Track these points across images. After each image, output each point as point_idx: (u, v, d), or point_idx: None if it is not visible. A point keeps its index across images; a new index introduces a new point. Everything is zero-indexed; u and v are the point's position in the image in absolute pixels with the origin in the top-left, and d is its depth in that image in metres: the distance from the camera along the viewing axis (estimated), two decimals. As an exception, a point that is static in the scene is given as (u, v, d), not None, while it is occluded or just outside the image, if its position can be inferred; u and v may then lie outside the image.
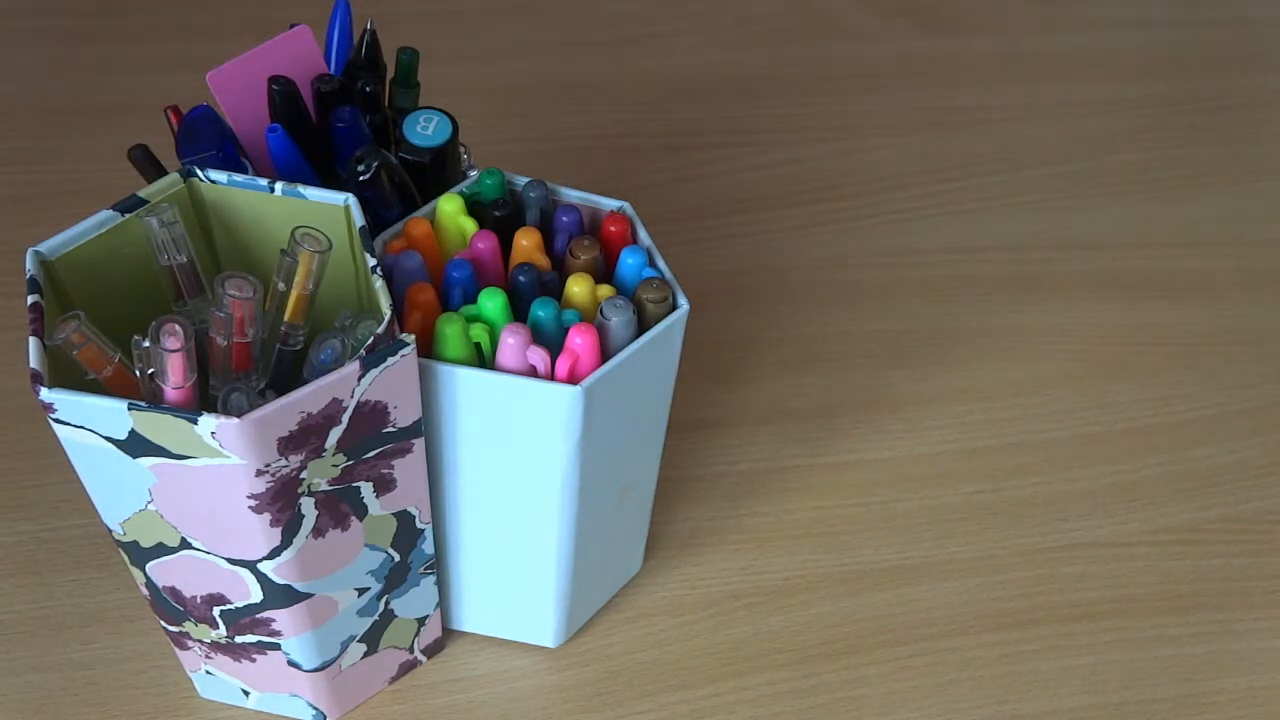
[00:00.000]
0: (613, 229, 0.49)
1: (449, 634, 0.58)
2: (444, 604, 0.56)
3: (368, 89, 0.50)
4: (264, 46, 0.48)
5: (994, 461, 0.67)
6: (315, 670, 0.51)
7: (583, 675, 0.57)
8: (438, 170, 0.49)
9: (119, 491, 0.42)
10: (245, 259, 0.48)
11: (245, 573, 0.45)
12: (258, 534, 0.43)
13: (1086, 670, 0.58)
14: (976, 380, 0.71)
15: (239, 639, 0.49)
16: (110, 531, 0.45)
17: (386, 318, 0.41)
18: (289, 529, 0.43)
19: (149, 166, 0.48)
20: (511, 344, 0.43)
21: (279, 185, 0.45)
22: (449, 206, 0.48)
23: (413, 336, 0.42)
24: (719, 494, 0.64)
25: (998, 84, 0.93)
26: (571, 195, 0.50)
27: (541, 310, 0.45)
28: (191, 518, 0.43)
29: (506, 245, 0.48)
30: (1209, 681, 0.58)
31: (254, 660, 0.50)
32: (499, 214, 0.48)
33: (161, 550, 0.45)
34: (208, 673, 0.52)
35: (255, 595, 0.46)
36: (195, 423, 0.38)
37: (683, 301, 0.46)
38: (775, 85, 0.90)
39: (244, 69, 0.48)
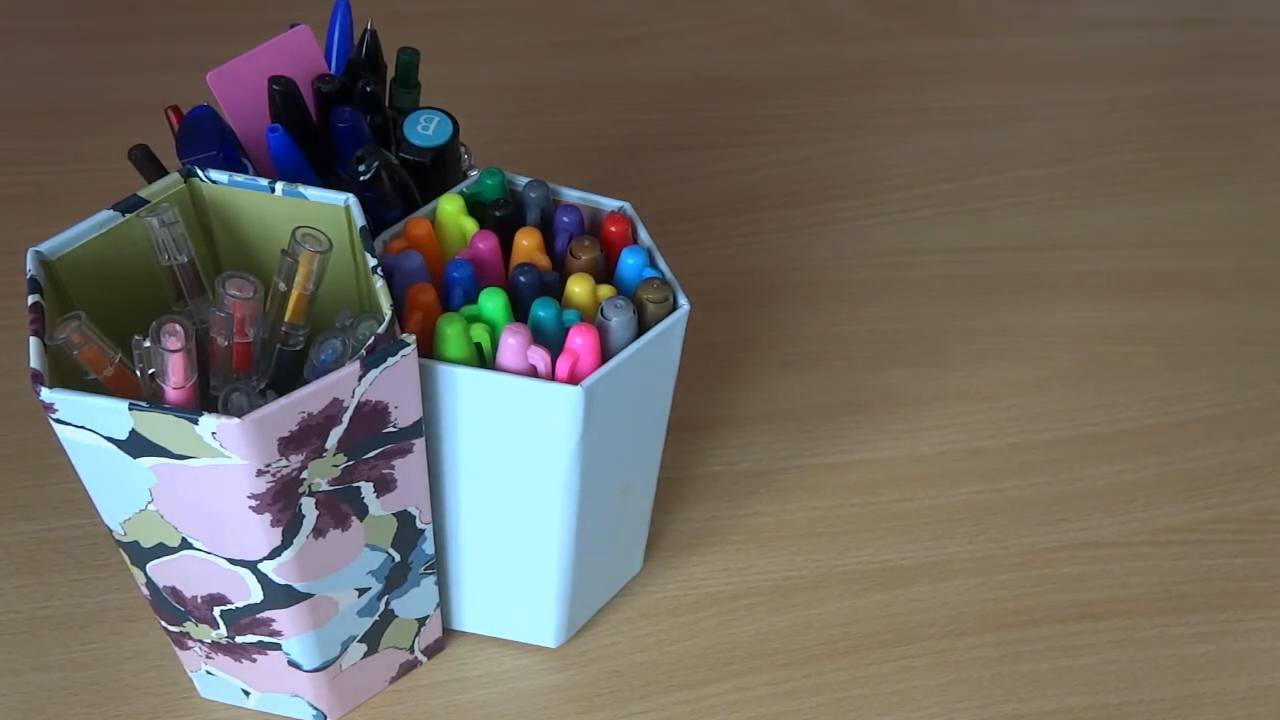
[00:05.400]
0: (613, 229, 0.49)
1: (449, 634, 0.58)
2: (444, 604, 0.56)
3: (368, 89, 0.50)
4: (264, 46, 0.48)
5: (994, 461, 0.67)
6: (316, 670, 0.51)
7: (583, 675, 0.57)
8: (438, 170, 0.49)
9: (119, 491, 0.42)
10: (246, 259, 0.48)
11: (246, 573, 0.45)
12: (258, 534, 0.43)
13: (1086, 670, 0.58)
14: (976, 380, 0.71)
15: (239, 639, 0.49)
16: (110, 531, 0.45)
17: (387, 318, 0.41)
18: (289, 529, 0.43)
19: (149, 166, 0.48)
20: (512, 344, 0.43)
21: (279, 185, 0.45)
22: (449, 206, 0.48)
23: (413, 336, 0.42)
24: (719, 494, 0.64)
25: (997, 84, 0.93)
26: (572, 195, 0.50)
27: (542, 310, 0.45)
28: (192, 518, 0.43)
29: (507, 245, 0.48)
30: (1209, 681, 0.58)
31: (254, 660, 0.50)
32: (499, 214, 0.48)
33: (162, 550, 0.45)
34: (208, 673, 0.53)
35: (256, 595, 0.46)
36: (196, 423, 0.38)
37: (683, 301, 0.46)
38: (775, 85, 0.90)
39: (244, 69, 0.48)
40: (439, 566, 0.53)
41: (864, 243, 0.79)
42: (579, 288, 0.46)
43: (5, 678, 0.54)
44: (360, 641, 0.52)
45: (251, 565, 0.44)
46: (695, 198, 0.81)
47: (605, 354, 0.45)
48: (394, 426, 0.44)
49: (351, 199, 0.45)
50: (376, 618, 0.51)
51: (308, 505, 0.43)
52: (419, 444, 0.45)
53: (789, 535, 0.63)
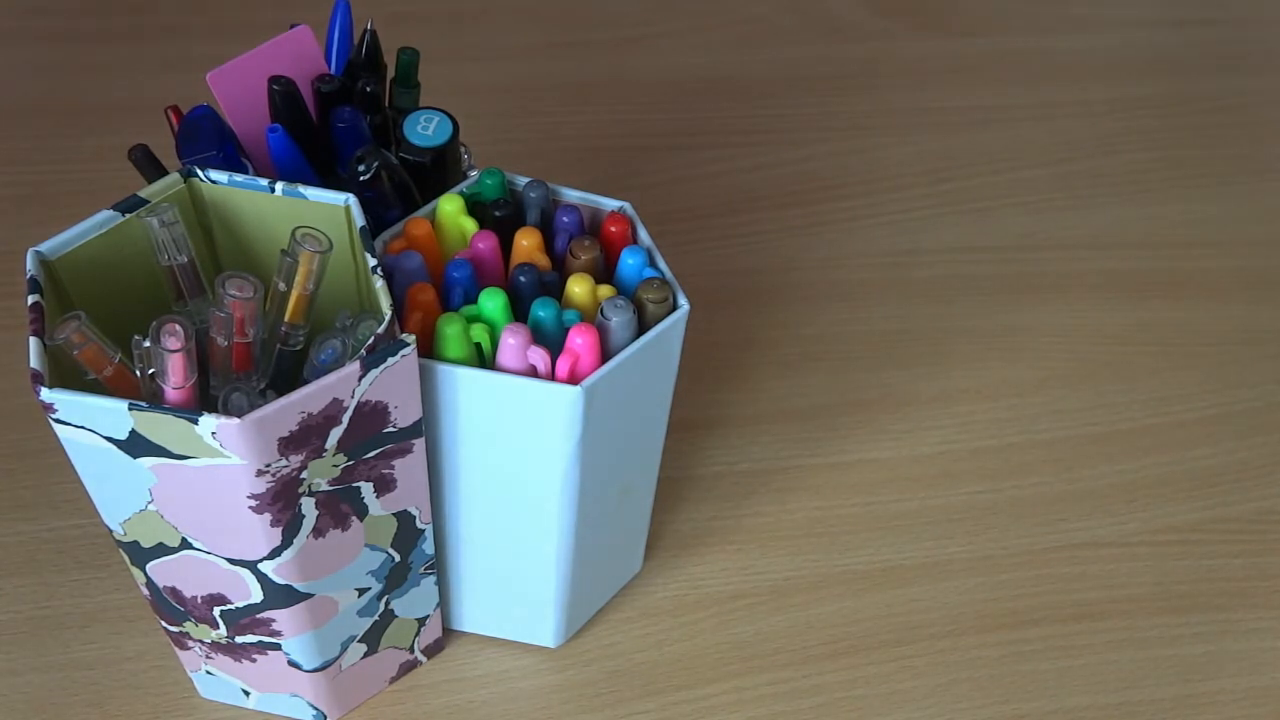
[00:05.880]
0: (613, 229, 0.49)
1: (449, 634, 0.58)
2: (444, 604, 0.56)
3: (368, 89, 0.50)
4: (264, 46, 0.48)
5: (994, 461, 0.67)
6: (315, 670, 0.51)
7: (583, 675, 0.57)
8: (438, 170, 0.49)
9: (119, 491, 0.42)
10: (246, 259, 0.48)
11: (245, 573, 0.45)
12: (258, 534, 0.43)
13: (1086, 670, 0.58)
14: (976, 380, 0.71)
15: (239, 639, 0.49)
16: (110, 531, 0.45)
17: (387, 318, 0.41)
18: (289, 529, 0.43)
19: (149, 166, 0.48)
20: (512, 344, 0.43)
21: (279, 185, 0.45)
22: (449, 206, 0.48)
23: (413, 336, 0.42)
24: (719, 494, 0.64)
25: (998, 84, 0.93)
26: (572, 195, 0.50)
27: (542, 310, 0.45)
28: (192, 518, 0.43)
29: (507, 245, 0.48)
30: (1209, 681, 0.58)
31: (254, 660, 0.50)
32: (499, 214, 0.48)
33: (162, 550, 0.45)
34: (208, 673, 0.53)
35: (255, 595, 0.46)
36: (196, 423, 0.38)
37: (683, 301, 0.46)
38: (775, 85, 0.90)
39: (244, 69, 0.48)
40: (439, 566, 0.53)
41: (864, 243, 0.79)
42: (579, 288, 0.46)
43: (5, 678, 0.54)
44: (360, 641, 0.52)
45: (251, 565, 0.44)
46: (695, 198, 0.81)
47: (605, 354, 0.45)
48: (394, 426, 0.44)
49: (351, 199, 0.45)
50: (376, 618, 0.51)
51: (308, 505, 0.43)
52: (419, 444, 0.45)
53: (789, 535, 0.63)
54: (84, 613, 0.57)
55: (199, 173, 0.45)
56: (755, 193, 0.81)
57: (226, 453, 0.39)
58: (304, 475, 0.42)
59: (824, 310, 0.74)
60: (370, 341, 0.41)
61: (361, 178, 0.47)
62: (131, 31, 0.89)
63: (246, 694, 0.53)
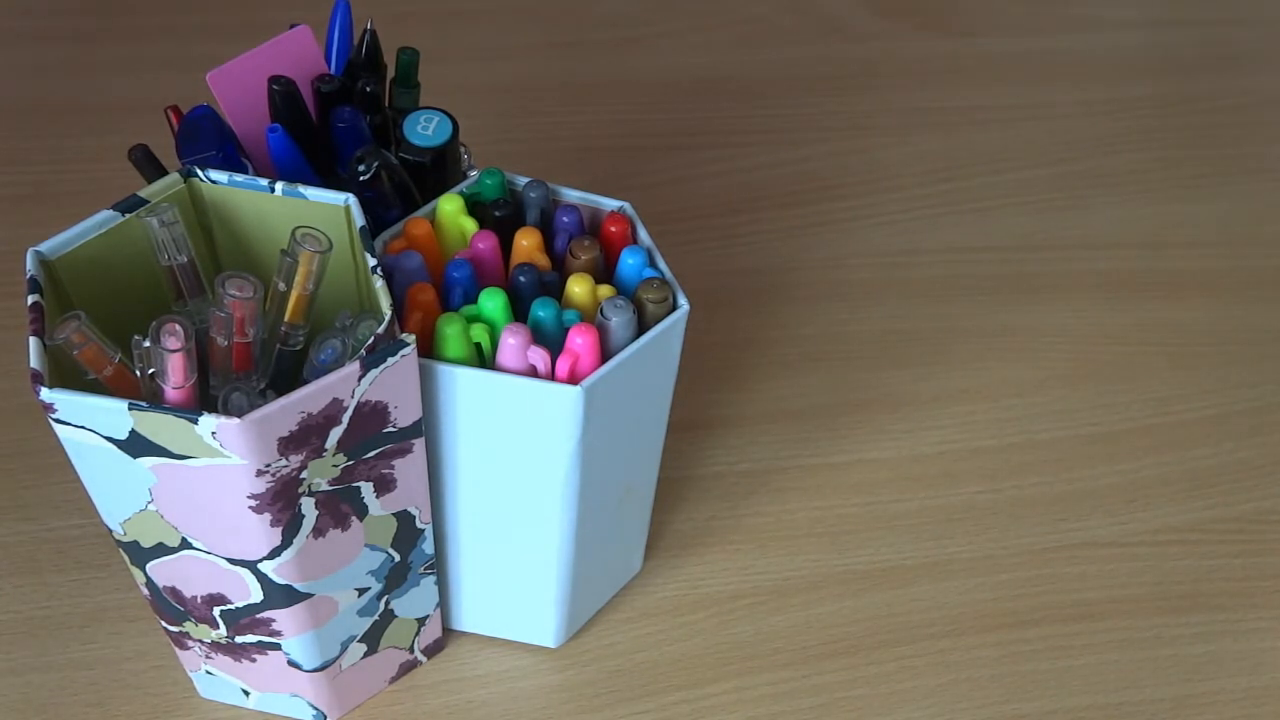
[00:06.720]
0: (613, 229, 0.49)
1: (449, 634, 0.58)
2: (444, 604, 0.56)
3: (368, 89, 0.50)
4: (264, 46, 0.48)
5: (994, 461, 0.67)
6: (315, 670, 0.51)
7: (583, 675, 0.57)
8: (438, 170, 0.49)
9: (119, 491, 0.42)
10: (246, 259, 0.48)
11: (245, 573, 0.45)
12: (258, 534, 0.43)
13: (1086, 670, 0.58)
14: (976, 380, 0.71)
15: (239, 639, 0.49)
16: (110, 531, 0.45)
17: (387, 318, 0.41)
18: (289, 529, 0.43)
19: (149, 166, 0.48)
20: (512, 344, 0.43)
21: (279, 185, 0.45)
22: (449, 206, 0.48)
23: (413, 336, 0.42)
24: (719, 494, 0.64)
25: (998, 84, 0.93)
26: (572, 195, 0.50)
27: (542, 310, 0.45)
28: (192, 518, 0.43)
29: (507, 245, 0.48)
30: (1209, 681, 0.58)
31: (254, 660, 0.50)
32: (499, 214, 0.48)
33: (162, 550, 0.45)
34: (208, 673, 0.53)
35: (255, 595, 0.46)
36: (196, 423, 0.38)
37: (683, 301, 0.46)
38: (775, 85, 0.90)
39: (244, 69, 0.48)
40: (439, 566, 0.53)
41: (864, 243, 0.79)
42: (579, 288, 0.46)
43: (5, 677, 0.54)
44: (360, 641, 0.52)
45: (251, 565, 0.44)
46: (695, 198, 0.81)
47: (605, 354, 0.45)
48: (394, 426, 0.44)
49: (351, 199, 0.45)
50: (376, 618, 0.51)
51: (307, 505, 0.43)
52: (419, 444, 0.46)
53: (789, 535, 0.63)
54: (84, 613, 0.57)
55: (199, 173, 0.45)
56: (755, 193, 0.81)
57: (226, 453, 0.39)
58: (304, 475, 0.42)
59: (824, 310, 0.74)
60: (370, 341, 0.41)
61: (361, 178, 0.47)
62: (131, 31, 0.89)
63: (246, 694, 0.53)
